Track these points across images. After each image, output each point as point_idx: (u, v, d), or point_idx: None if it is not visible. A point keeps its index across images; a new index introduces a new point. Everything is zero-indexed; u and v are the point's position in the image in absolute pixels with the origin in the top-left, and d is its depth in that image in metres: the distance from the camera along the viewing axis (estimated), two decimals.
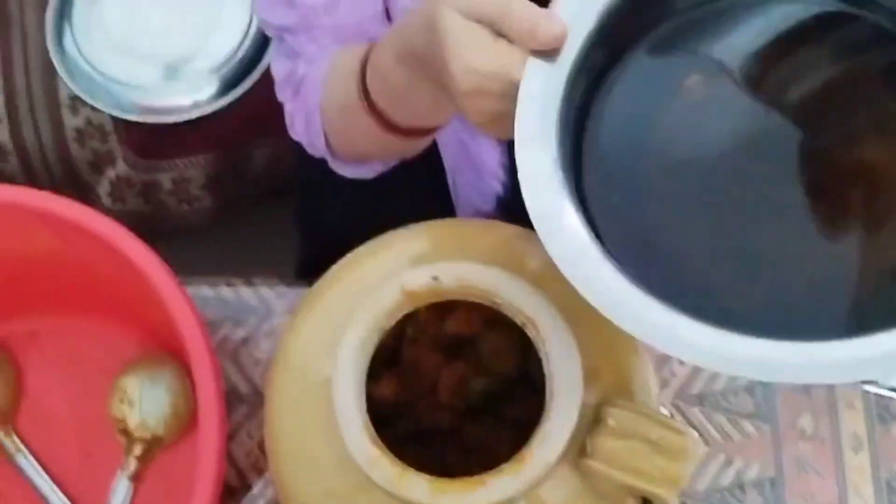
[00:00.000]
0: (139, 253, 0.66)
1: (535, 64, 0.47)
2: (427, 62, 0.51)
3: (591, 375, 0.50)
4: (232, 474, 0.73)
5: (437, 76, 0.50)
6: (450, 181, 0.86)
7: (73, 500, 0.72)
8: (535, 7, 0.47)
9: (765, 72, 0.48)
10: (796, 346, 0.40)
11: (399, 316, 0.51)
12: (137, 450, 0.73)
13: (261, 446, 0.74)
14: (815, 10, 0.48)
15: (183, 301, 0.65)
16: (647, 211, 0.47)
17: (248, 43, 1.10)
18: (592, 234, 0.44)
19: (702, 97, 0.48)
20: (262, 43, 1.09)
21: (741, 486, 0.72)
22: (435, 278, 0.51)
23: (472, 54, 0.48)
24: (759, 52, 0.48)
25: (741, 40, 0.49)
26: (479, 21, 0.48)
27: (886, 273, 0.44)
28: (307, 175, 0.78)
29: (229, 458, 0.74)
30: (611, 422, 0.49)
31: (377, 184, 0.76)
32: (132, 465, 0.72)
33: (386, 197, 0.77)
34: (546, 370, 0.50)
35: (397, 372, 0.61)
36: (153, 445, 0.73)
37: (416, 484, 0.48)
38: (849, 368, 0.40)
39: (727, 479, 0.72)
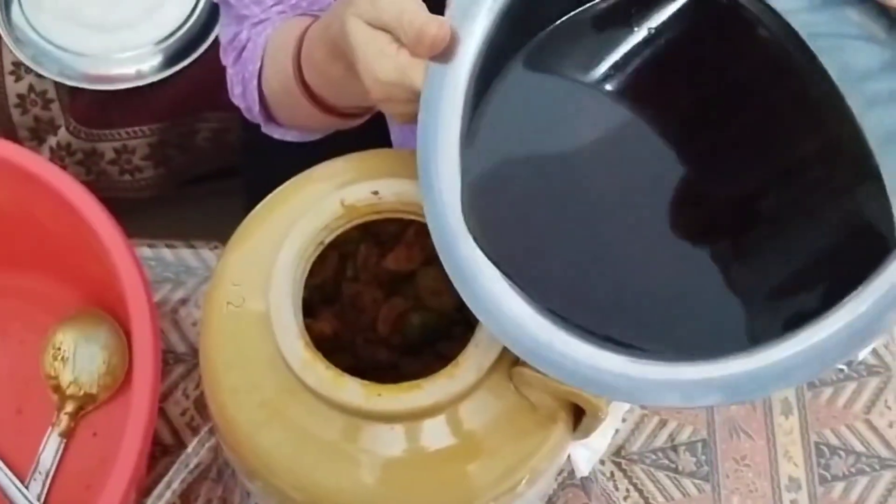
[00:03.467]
0: (86, 204, 0.66)
1: (434, 71, 0.46)
2: (351, 63, 0.51)
3: None
4: (166, 433, 0.72)
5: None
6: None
7: (3, 456, 0.71)
8: (424, 13, 0.46)
9: (635, 79, 0.46)
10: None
11: (338, 230, 0.52)
12: (69, 407, 0.72)
13: (196, 405, 0.73)
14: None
15: (127, 253, 0.64)
16: (532, 223, 0.47)
17: (195, 17, 1.11)
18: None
19: (575, 109, 0.47)
20: (209, 17, 1.10)
21: (674, 448, 0.73)
22: (375, 192, 0.52)
23: (376, 64, 0.48)
24: (629, 57, 0.47)
25: (614, 46, 0.47)
26: (383, 29, 0.48)
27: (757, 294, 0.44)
28: (252, 138, 0.79)
29: (164, 416, 0.73)
30: None
31: (323, 147, 0.77)
32: (63, 421, 0.71)
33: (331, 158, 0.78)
34: None
35: (337, 308, 0.61)
36: (85, 403, 0.72)
37: (350, 387, 0.48)
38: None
39: (661, 440, 0.73)
